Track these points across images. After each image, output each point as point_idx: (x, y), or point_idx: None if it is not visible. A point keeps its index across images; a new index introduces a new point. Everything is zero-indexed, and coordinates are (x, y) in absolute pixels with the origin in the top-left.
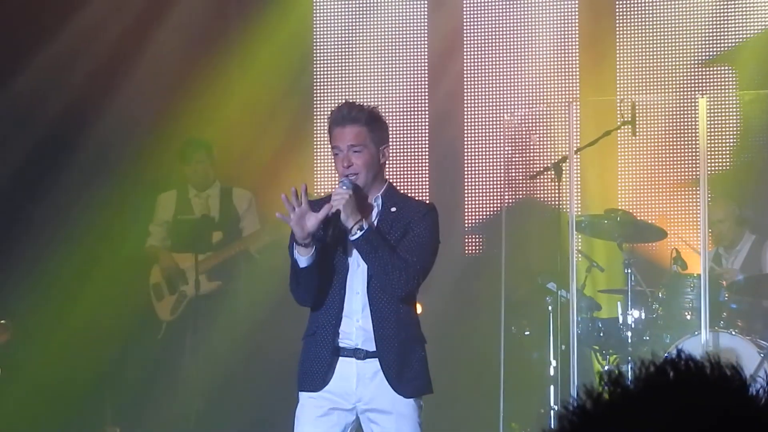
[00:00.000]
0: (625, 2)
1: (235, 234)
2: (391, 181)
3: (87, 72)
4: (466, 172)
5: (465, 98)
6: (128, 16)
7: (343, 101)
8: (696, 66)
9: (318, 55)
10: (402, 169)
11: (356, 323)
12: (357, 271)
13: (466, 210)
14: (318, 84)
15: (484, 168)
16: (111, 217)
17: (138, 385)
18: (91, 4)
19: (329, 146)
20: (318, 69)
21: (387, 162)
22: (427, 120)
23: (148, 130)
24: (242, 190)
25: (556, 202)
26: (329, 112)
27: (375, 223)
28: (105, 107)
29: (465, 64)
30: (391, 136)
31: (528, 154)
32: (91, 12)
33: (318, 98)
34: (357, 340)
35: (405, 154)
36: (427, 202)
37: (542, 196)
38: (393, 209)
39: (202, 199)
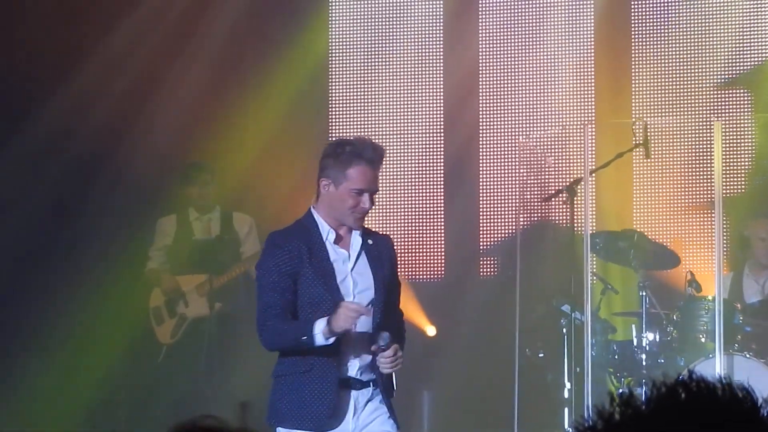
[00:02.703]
0: (640, 25)
1: (235, 257)
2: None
3: (111, 101)
4: (481, 194)
5: (480, 120)
6: (147, 49)
7: (363, 135)
8: (711, 89)
9: (334, 70)
10: (417, 190)
11: (355, 354)
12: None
13: (481, 232)
14: (333, 105)
15: (499, 190)
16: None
17: (146, 408)
18: (110, 41)
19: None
20: (333, 90)
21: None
22: (442, 142)
23: (163, 160)
24: (242, 214)
25: (571, 224)
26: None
27: (362, 255)
28: (127, 138)
29: (481, 86)
30: (406, 158)
31: (543, 176)
32: (110, 47)
33: (333, 123)
34: (357, 372)
35: (420, 175)
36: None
37: (557, 218)
38: (370, 242)
39: (204, 222)
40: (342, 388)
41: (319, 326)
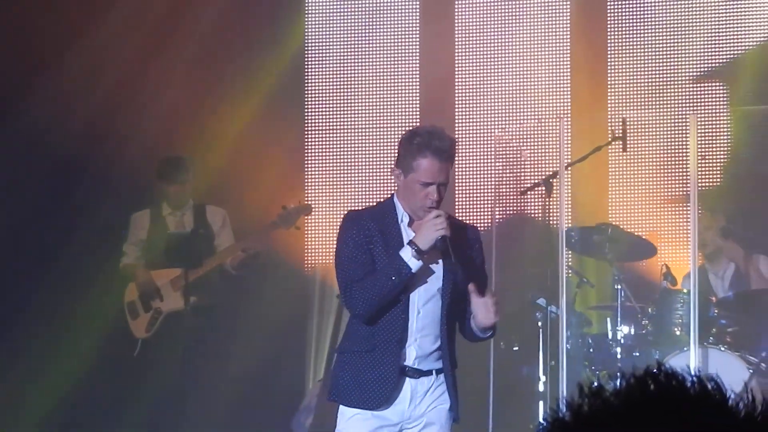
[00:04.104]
0: (616, 19)
1: (209, 250)
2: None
3: (89, 98)
4: (457, 188)
5: (456, 114)
6: (126, 47)
7: (435, 126)
8: (687, 83)
9: (310, 66)
10: (392, 183)
11: (414, 342)
12: (419, 290)
13: None
14: (309, 100)
15: (474, 183)
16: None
17: (122, 402)
18: (89, 38)
19: (329, 162)
20: (309, 85)
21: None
22: None
23: (139, 156)
24: (215, 207)
25: (547, 218)
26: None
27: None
28: (104, 134)
29: (457, 80)
30: (383, 153)
31: (519, 170)
32: (89, 45)
33: (308, 118)
34: (415, 361)
35: None
36: (473, 224)
37: (533, 211)
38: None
39: (177, 217)
40: (400, 375)
41: (407, 253)
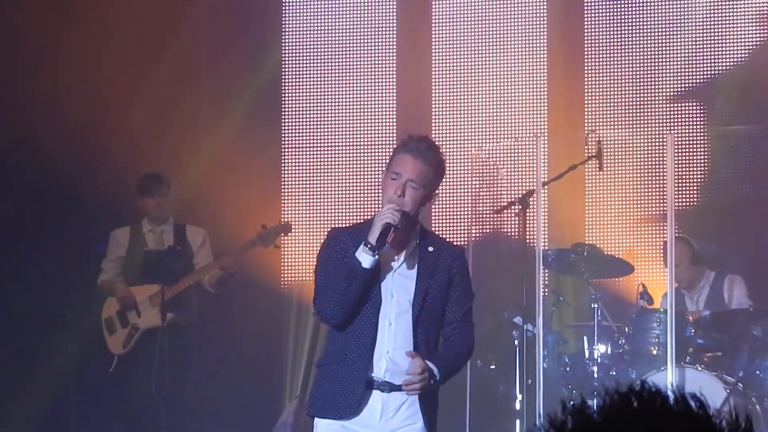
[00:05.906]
0: (593, 38)
1: (188, 268)
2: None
3: (65, 115)
4: (433, 206)
5: (433, 132)
6: (104, 63)
7: (417, 135)
8: (664, 102)
9: (286, 84)
10: (370, 203)
11: (386, 354)
12: (391, 302)
13: None
14: (286, 119)
15: (451, 201)
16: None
17: (96, 419)
18: (67, 53)
19: (303, 191)
20: (286, 104)
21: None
22: None
23: (118, 172)
24: (196, 227)
25: (523, 236)
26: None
27: (412, 259)
28: (82, 151)
29: (433, 99)
30: (359, 171)
31: (495, 188)
32: (66, 60)
33: (285, 137)
34: (385, 374)
35: (373, 188)
36: (456, 243)
37: (509, 230)
38: (430, 249)
39: (157, 234)
40: (368, 387)
41: (360, 250)
